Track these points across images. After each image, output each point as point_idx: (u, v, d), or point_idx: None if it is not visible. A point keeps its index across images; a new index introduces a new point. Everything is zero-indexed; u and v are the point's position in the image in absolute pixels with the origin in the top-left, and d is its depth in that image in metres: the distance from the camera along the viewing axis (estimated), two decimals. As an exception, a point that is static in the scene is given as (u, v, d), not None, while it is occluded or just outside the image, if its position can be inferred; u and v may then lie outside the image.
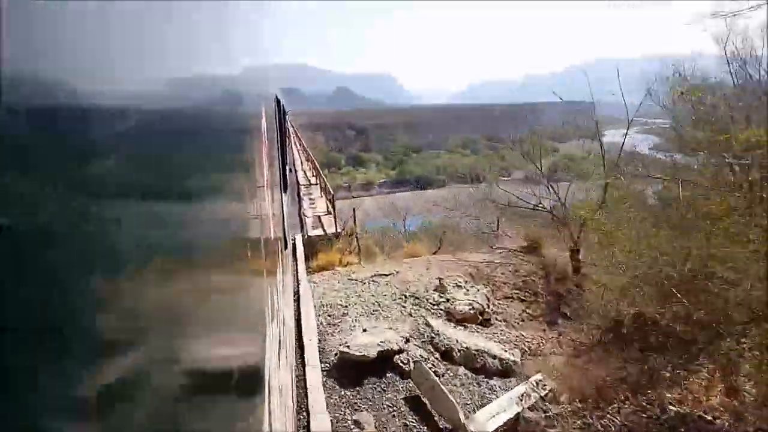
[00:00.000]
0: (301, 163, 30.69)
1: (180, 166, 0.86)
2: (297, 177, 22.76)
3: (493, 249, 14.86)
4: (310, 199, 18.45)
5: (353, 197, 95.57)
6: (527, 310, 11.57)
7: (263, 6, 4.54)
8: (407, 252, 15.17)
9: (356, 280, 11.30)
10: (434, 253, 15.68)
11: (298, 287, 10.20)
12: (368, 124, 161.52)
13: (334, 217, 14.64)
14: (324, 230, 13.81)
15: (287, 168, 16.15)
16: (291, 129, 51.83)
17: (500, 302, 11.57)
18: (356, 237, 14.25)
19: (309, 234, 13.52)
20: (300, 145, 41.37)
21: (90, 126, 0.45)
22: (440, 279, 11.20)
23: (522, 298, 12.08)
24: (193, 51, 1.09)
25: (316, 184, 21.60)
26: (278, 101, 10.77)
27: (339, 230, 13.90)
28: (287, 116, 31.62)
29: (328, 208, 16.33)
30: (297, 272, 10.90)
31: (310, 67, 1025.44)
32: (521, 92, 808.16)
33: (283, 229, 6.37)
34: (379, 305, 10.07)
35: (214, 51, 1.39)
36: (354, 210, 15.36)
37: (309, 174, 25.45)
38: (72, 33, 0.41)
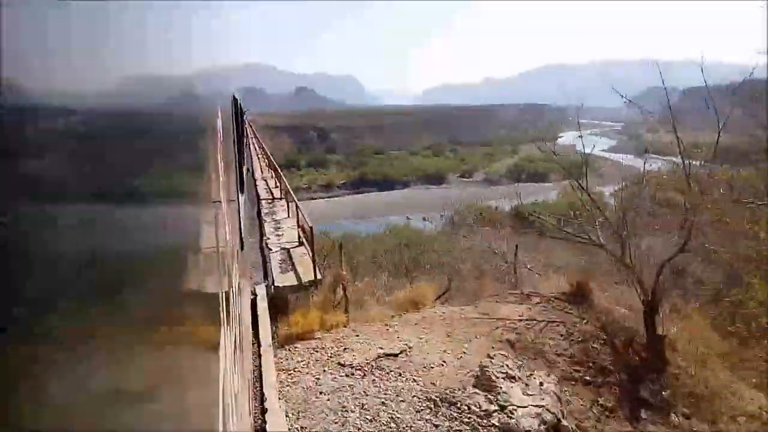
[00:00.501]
0: (261, 169, 27.03)
1: (127, 166, 0.85)
2: (256, 186, 19.81)
3: (525, 296, 11.66)
4: (275, 221, 14.32)
5: (312, 198, 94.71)
6: (599, 401, 8.59)
7: (221, 5, 4.29)
8: (408, 298, 11.77)
9: (351, 366, 7.96)
10: (445, 300, 12.53)
11: (262, 400, 6.54)
12: (330, 125, 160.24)
13: (312, 256, 10.08)
14: (298, 278, 9.74)
15: (244, 168, 15.75)
16: (249, 129, 50.59)
17: (565, 389, 8.50)
18: (344, 287, 10.70)
19: (276, 284, 9.52)
20: (260, 147, 39.45)
21: (27, 124, 0.45)
22: (482, 367, 7.63)
23: (587, 379, 9.06)
24: (145, 49, 1.07)
25: (281, 198, 17.17)
26: (235, 100, 10.23)
27: (319, 276, 9.84)
28: (245, 116, 30.27)
29: (300, 238, 11.92)
30: (260, 366, 7.37)
31: (270, 67, 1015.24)
32: (480, 95, 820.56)
33: (240, 230, 6.05)
34: (396, 425, 6.51)
35: (167, 49, 1.33)
36: (341, 247, 12.08)
37: (271, 183, 21.07)
38: (13, 27, 0.42)
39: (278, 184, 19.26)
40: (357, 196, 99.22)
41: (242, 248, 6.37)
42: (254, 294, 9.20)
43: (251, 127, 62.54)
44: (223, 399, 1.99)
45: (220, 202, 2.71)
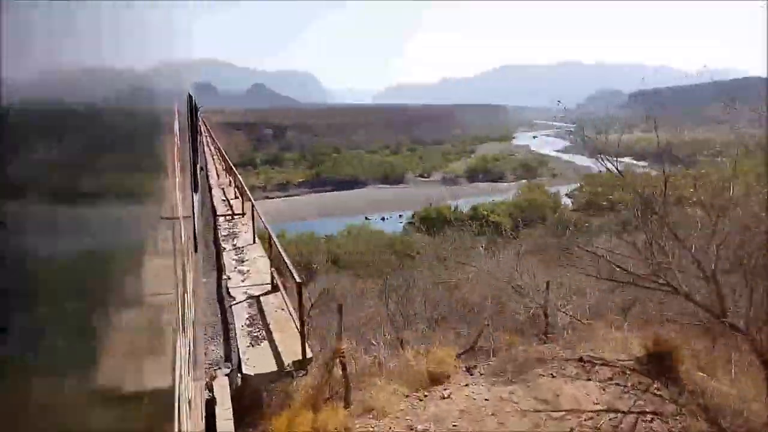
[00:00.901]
0: (216, 172, 24.02)
1: (76, 165, 0.84)
2: (212, 194, 17.32)
3: (587, 364, 8.62)
4: (236, 248, 10.49)
5: (267, 198, 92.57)
6: None
7: None
8: (425, 369, 8.46)
9: None
10: (468, 364, 9.02)
11: None
12: (287, 123, 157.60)
13: (301, 327, 6.19)
14: (278, 358, 6.06)
15: (198, 167, 14.30)
16: (204, 127, 48.54)
17: None
18: (343, 365, 7.77)
19: (245, 371, 5.90)
20: (215, 147, 37.50)
21: None
22: None
23: None
24: (96, 42, 1.05)
25: (242, 214, 13.40)
26: (190, 97, 9.44)
27: (309, 354, 6.19)
28: (199, 113, 28.82)
29: (274, 279, 8.14)
30: None
31: (225, 63, 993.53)
32: (438, 94, 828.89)
33: (194, 232, 5.53)
34: None
35: (120, 43, 1.30)
36: (340, 309, 8.58)
37: (230, 193, 17.11)
38: None
39: (238, 194, 15.44)
40: (315, 195, 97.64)
41: (196, 250, 5.66)
42: (211, 393, 5.56)
43: (205, 124, 60.21)
44: (179, 405, 1.96)
45: (175, 203, 2.62)
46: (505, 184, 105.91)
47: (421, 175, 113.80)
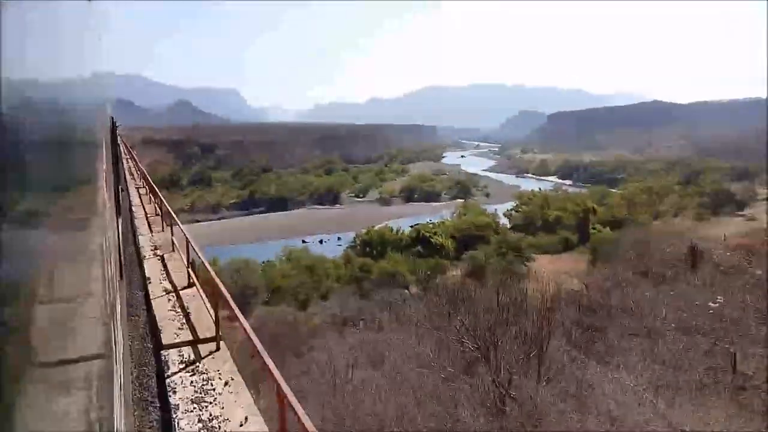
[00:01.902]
0: (139, 197, 21.28)
1: None
2: (135, 231, 15.00)
3: None
4: (172, 297, 8.08)
5: (196, 221, 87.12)
6: None
7: (89, 9, 3.37)
8: None
9: None
10: None
11: None
12: (215, 141, 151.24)
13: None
14: None
15: (119, 188, 13.68)
16: (124, 146, 45.19)
17: None
18: None
19: None
20: (136, 167, 33.87)
21: None
22: None
23: None
24: (11, 52, 0.97)
25: (171, 251, 10.62)
26: (111, 117, 9.15)
27: None
28: (117, 130, 26.95)
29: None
30: None
31: (145, 78, 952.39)
32: (366, 113, 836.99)
33: (120, 256, 5.44)
34: None
35: (34, 54, 1.24)
36: None
37: (155, 226, 14.09)
38: None
39: (162, 221, 13.16)
40: (249, 217, 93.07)
41: (121, 277, 5.70)
42: None
43: (125, 143, 55.77)
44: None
45: (97, 224, 2.53)
46: (441, 203, 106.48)
47: (357, 195, 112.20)
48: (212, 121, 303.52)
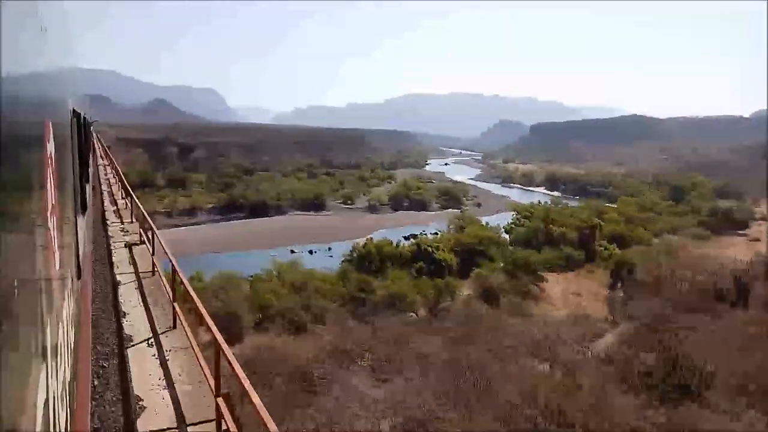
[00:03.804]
0: (113, 196, 20.10)
1: None
2: (110, 246, 13.32)
3: None
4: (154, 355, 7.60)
5: (175, 226, 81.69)
6: None
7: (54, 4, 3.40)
8: None
9: None
10: None
11: None
12: (192, 141, 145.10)
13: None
14: None
15: (90, 186, 13.22)
16: (99, 144, 43.19)
17: None
18: None
19: None
20: (111, 167, 31.22)
21: None
22: None
23: None
24: None
25: (152, 274, 10.71)
26: (77, 113, 7.16)
27: None
28: (92, 127, 24.60)
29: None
30: None
31: (120, 74, 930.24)
32: (345, 118, 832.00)
33: (77, 256, 4.80)
34: None
35: None
36: None
37: (126, 222, 15.02)
38: None
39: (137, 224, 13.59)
40: (229, 223, 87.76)
41: (79, 276, 4.98)
42: None
43: (100, 141, 51.83)
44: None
45: (44, 228, 2.42)
46: (432, 213, 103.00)
47: (344, 202, 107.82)
48: (190, 121, 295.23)
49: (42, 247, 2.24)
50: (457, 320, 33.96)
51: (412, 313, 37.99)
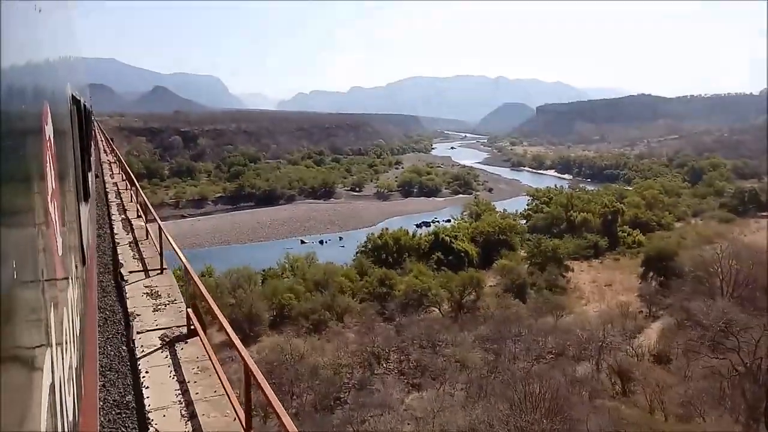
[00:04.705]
0: (118, 191, 18.64)
1: None
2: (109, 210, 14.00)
3: None
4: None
5: (184, 216, 79.78)
6: None
7: None
8: None
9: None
10: None
11: None
12: (197, 129, 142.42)
13: None
14: None
15: (93, 174, 12.55)
16: (101, 135, 41.54)
17: None
18: None
19: None
20: (114, 156, 29.42)
21: None
22: None
23: None
24: None
25: (158, 272, 9.76)
26: (77, 100, 6.35)
27: None
28: (93, 117, 24.39)
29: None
30: None
31: (121, 63, 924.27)
32: (348, 102, 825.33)
33: (81, 243, 4.69)
34: None
35: None
36: None
37: (133, 218, 13.82)
38: None
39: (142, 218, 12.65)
40: (237, 213, 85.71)
41: (84, 263, 4.81)
42: None
43: (102, 131, 49.97)
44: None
45: (45, 213, 2.39)
46: (442, 199, 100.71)
47: (353, 189, 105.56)
48: (192, 108, 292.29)
49: (42, 232, 2.19)
50: (487, 316, 31.91)
51: (434, 308, 36.00)
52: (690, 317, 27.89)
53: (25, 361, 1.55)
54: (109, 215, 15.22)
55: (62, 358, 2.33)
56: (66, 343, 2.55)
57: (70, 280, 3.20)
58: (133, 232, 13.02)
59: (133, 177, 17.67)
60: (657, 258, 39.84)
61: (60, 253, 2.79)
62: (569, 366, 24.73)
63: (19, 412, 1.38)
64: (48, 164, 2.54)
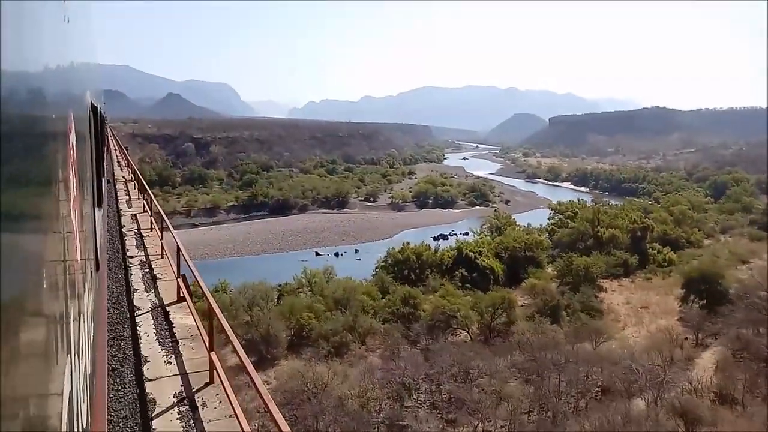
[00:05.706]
0: (128, 198, 18.46)
1: None
2: (127, 262, 11.72)
3: None
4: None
5: (195, 225, 78.29)
6: None
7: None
8: None
9: None
10: None
11: None
12: (209, 136, 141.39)
13: None
14: None
15: (106, 180, 12.63)
16: (114, 141, 40.28)
17: None
18: None
19: None
20: (126, 162, 28.03)
21: None
22: None
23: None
24: None
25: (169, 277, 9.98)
26: (94, 106, 7.00)
27: None
28: (106, 121, 23.83)
29: None
30: None
31: (134, 69, 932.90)
32: (358, 111, 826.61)
33: (96, 249, 4.94)
34: None
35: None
36: None
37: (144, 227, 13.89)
38: None
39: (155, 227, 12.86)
40: (250, 223, 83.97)
41: (98, 268, 4.99)
42: None
43: (115, 137, 48.44)
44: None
45: (68, 218, 2.44)
46: (459, 211, 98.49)
47: (367, 199, 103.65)
48: (205, 115, 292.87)
49: (67, 239, 2.19)
50: (522, 342, 29.66)
51: (462, 330, 33.82)
52: (746, 348, 25.65)
53: (48, 368, 1.52)
54: (121, 232, 13.66)
55: (79, 365, 2.29)
56: (82, 349, 2.52)
57: (86, 286, 3.13)
58: (145, 250, 12.40)
59: (161, 210, 15.98)
60: (700, 279, 37.35)
61: (79, 259, 2.72)
62: (620, 402, 22.47)
63: (41, 420, 1.36)
64: (71, 171, 2.50)
